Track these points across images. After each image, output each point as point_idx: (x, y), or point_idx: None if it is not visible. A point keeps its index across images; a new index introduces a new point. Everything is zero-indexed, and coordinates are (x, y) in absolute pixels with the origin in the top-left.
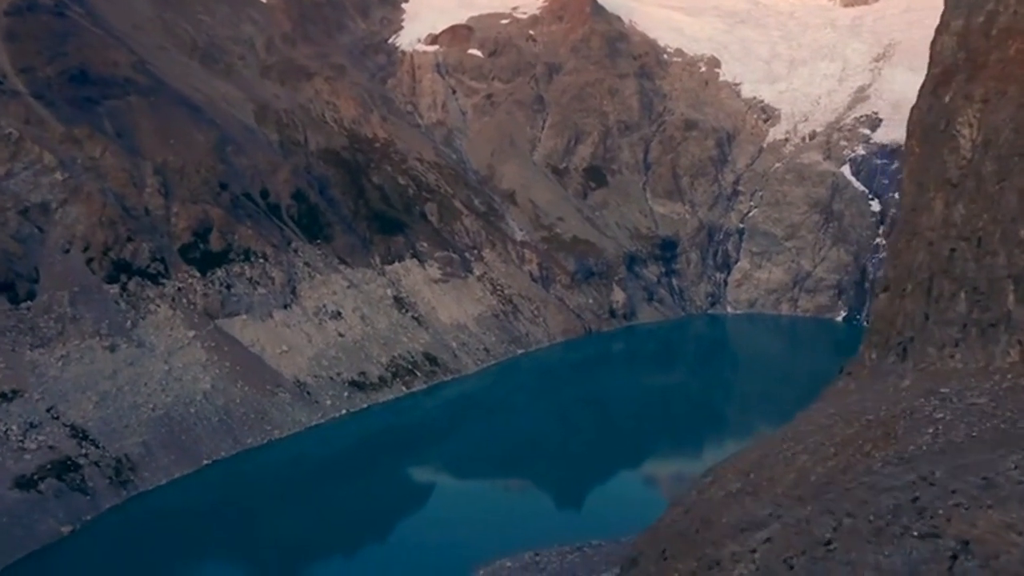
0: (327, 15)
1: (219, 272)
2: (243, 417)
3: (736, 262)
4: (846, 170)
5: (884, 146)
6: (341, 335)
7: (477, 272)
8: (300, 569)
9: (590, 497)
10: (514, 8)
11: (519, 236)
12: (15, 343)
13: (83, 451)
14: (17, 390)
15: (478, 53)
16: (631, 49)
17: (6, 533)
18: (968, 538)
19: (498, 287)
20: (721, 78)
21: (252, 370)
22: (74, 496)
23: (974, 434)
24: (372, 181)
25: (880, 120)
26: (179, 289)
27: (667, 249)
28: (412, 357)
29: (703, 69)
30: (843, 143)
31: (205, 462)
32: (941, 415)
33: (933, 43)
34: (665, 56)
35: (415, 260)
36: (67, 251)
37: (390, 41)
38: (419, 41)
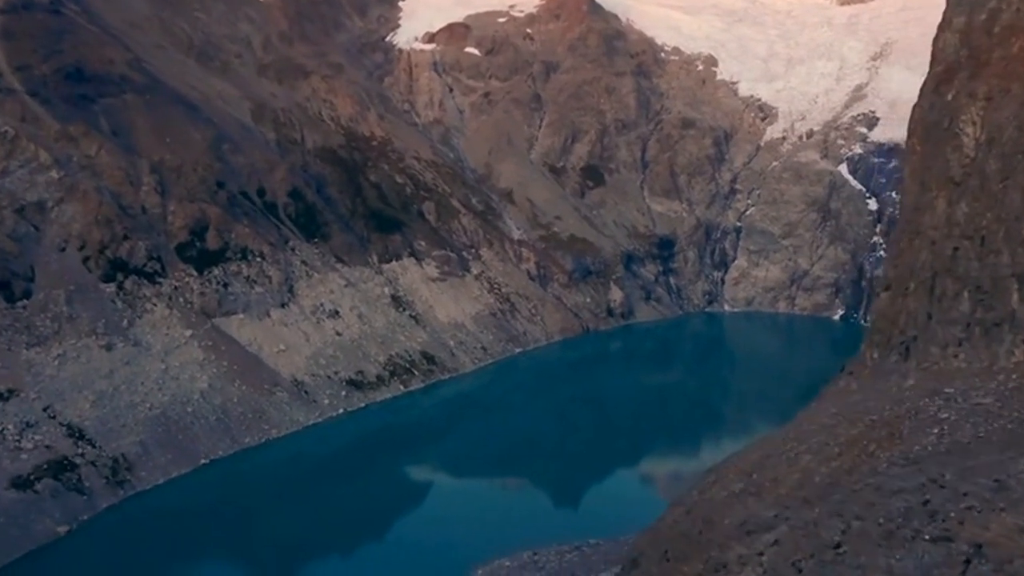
0: (324, 13)
1: (216, 271)
2: (240, 416)
3: (733, 260)
4: (843, 169)
5: (881, 145)
6: (339, 334)
7: (475, 271)
8: (298, 569)
9: (588, 496)
10: (511, 6)
11: (516, 235)
12: (11, 342)
13: (80, 451)
14: (13, 389)
15: (475, 51)
16: (628, 47)
17: (2, 533)
18: (981, 542)
19: (496, 286)
20: (718, 77)
21: (249, 369)
22: (71, 496)
23: (981, 435)
24: (369, 180)
25: (877, 119)
26: (176, 288)
27: (664, 248)
28: (410, 356)
29: (700, 68)
30: (840, 142)
31: (202, 461)
32: (946, 415)
33: (935, 41)
34: (662, 54)
35: (412, 259)
36: (63, 250)
37: (387, 39)
38: (416, 39)
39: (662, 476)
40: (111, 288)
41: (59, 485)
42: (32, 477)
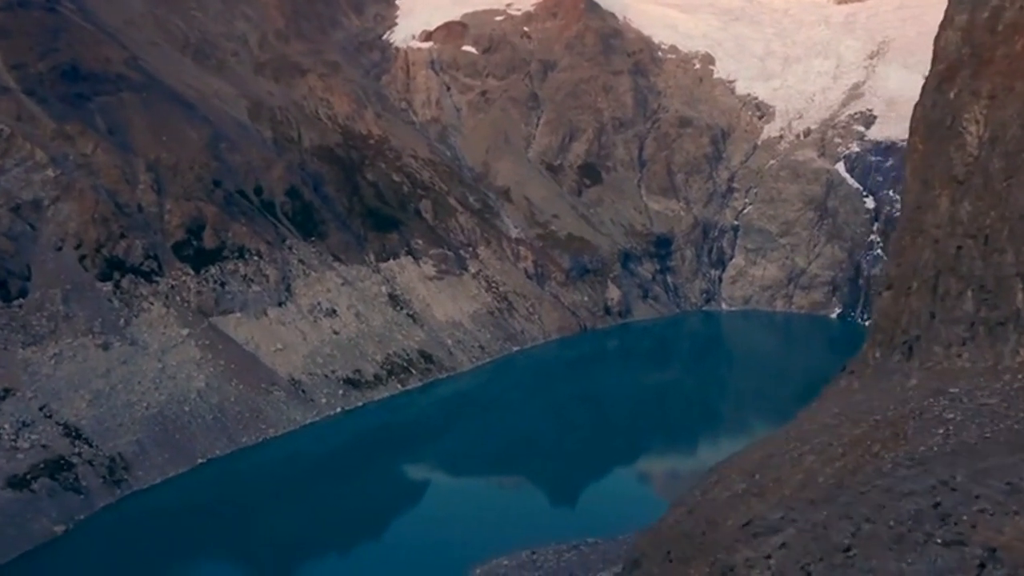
0: (320, 11)
1: (213, 269)
2: (238, 415)
3: (731, 259)
4: (840, 167)
5: (879, 143)
6: (336, 333)
7: (472, 269)
8: (296, 568)
9: (586, 495)
10: (508, 5)
11: (514, 233)
12: (7, 341)
13: (76, 450)
14: (9, 389)
15: (472, 50)
16: (625, 46)
17: None
18: (995, 546)
19: (493, 284)
20: (715, 75)
21: (246, 368)
22: (67, 495)
23: (987, 435)
24: (366, 178)
25: (874, 117)
26: (172, 287)
27: (662, 246)
28: (407, 355)
29: (697, 66)
30: (837, 140)
31: (200, 461)
32: (951, 415)
33: (937, 38)
34: (659, 53)
35: (410, 257)
36: (59, 248)
37: (384, 38)
38: (413, 38)
39: (660, 475)
40: (107, 287)
41: (56, 484)
42: (29, 476)
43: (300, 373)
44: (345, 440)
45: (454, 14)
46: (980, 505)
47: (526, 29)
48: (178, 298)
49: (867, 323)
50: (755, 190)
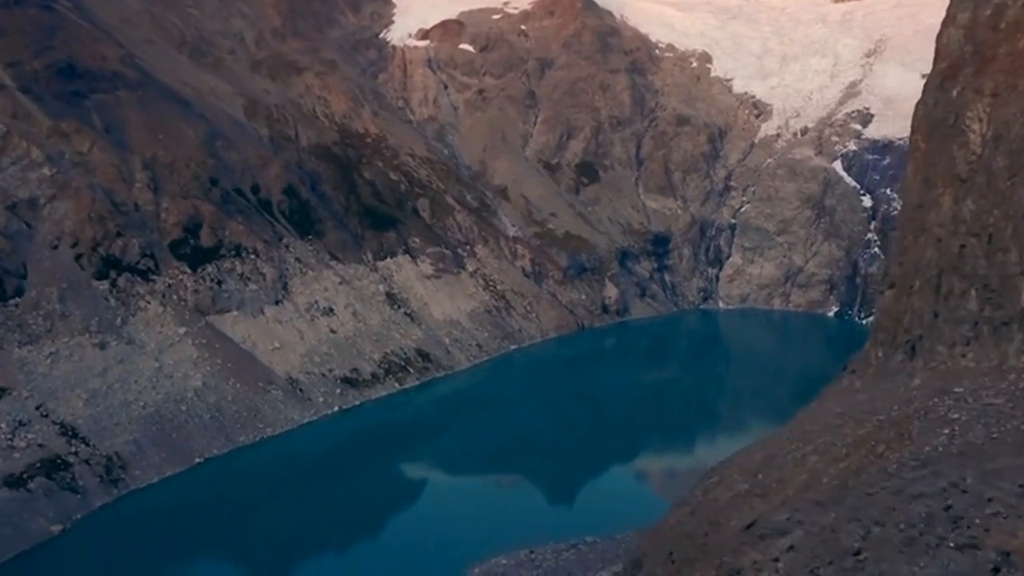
0: (317, 10)
1: (210, 268)
2: (235, 415)
3: (728, 257)
4: (837, 165)
5: (876, 141)
6: (333, 331)
7: (470, 268)
8: (293, 567)
9: (584, 493)
10: (505, 3)
11: (511, 232)
12: (3, 340)
13: (73, 449)
14: (5, 388)
15: (469, 48)
16: (622, 44)
17: None
18: (1009, 549)
19: (491, 283)
20: (713, 74)
21: (244, 367)
22: (64, 495)
23: (994, 436)
24: (364, 176)
25: (871, 116)
26: (169, 285)
27: (659, 244)
28: (405, 353)
29: (695, 64)
30: (834, 139)
31: (197, 460)
32: (957, 416)
33: (939, 36)
34: (657, 51)
35: (407, 256)
36: (55, 247)
37: (381, 36)
38: (410, 36)
39: (658, 474)
40: (104, 286)
41: (52, 484)
42: (25, 476)
43: (297, 372)
44: (343, 439)
45: (451, 12)
46: (992, 508)
47: (523, 27)
48: (175, 297)
49: (864, 321)
50: (752, 188)
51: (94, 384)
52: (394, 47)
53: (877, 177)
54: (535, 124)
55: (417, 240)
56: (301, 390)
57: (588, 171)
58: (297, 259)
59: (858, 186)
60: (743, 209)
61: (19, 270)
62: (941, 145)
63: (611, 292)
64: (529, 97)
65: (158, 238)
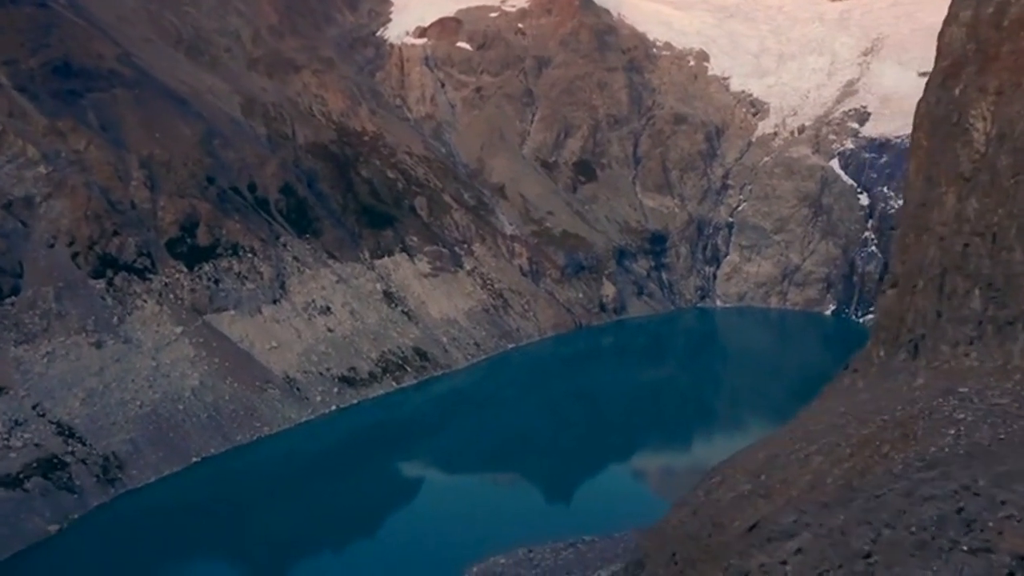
0: (314, 7)
1: (207, 267)
2: (232, 414)
3: (725, 256)
4: (835, 164)
5: (873, 140)
6: (330, 330)
7: (467, 266)
8: (291, 567)
9: (582, 492)
10: (503, 1)
11: (509, 230)
12: None
13: (70, 449)
14: (2, 387)
15: (467, 46)
16: (620, 43)
17: None
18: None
19: (488, 281)
20: (710, 72)
21: (241, 366)
22: (61, 494)
23: (1001, 437)
24: (361, 175)
25: (868, 114)
26: (166, 284)
27: (657, 243)
28: (402, 352)
29: (692, 63)
30: (832, 137)
31: (194, 459)
32: (962, 416)
33: (941, 35)
34: (654, 50)
35: (404, 254)
36: (52, 246)
37: (378, 34)
38: (407, 34)
39: (656, 472)
40: (101, 284)
41: (49, 484)
42: (21, 476)
43: (295, 371)
44: (340, 438)
45: (448, 10)
46: (1006, 511)
47: (520, 25)
48: (172, 296)
49: (861, 320)
50: (749, 187)
51: (91, 383)
52: (391, 45)
53: (874, 175)
54: (532, 122)
55: (414, 239)
56: (298, 389)
57: (585, 169)
58: (294, 258)
59: (855, 184)
60: (740, 207)
61: (15, 269)
62: (944, 143)
63: (608, 291)
64: (526, 95)
65: (155, 237)
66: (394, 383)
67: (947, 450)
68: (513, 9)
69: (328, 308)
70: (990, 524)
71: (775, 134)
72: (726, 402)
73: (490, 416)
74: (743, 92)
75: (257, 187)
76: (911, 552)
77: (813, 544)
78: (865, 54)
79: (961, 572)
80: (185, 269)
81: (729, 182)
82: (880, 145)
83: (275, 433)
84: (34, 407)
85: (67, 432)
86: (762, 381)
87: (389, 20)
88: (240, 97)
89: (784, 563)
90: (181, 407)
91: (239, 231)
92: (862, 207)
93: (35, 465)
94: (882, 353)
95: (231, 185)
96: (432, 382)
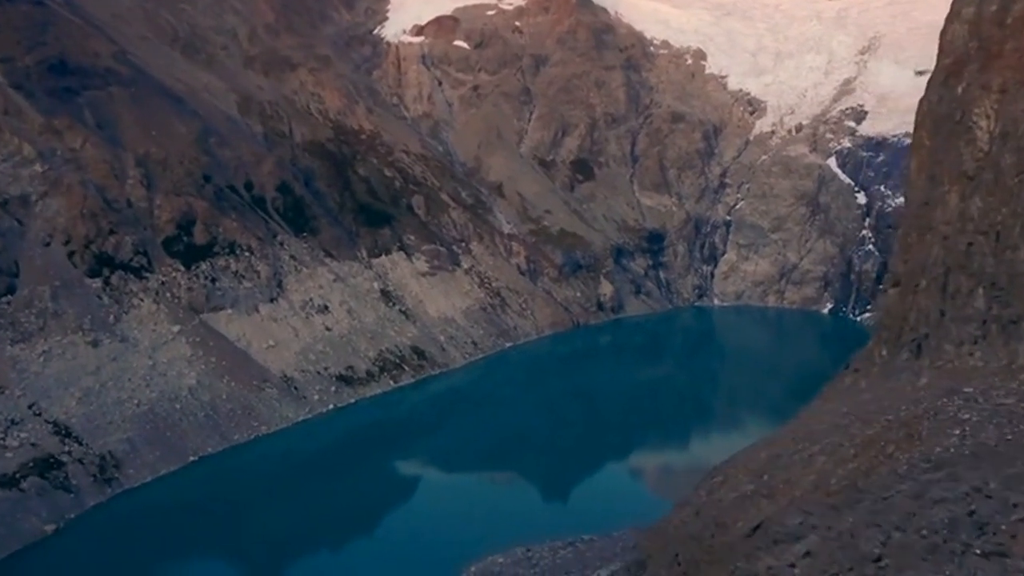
0: (311, 5)
1: (204, 265)
2: (229, 413)
3: (723, 254)
4: (832, 163)
5: (870, 138)
6: (328, 329)
7: (465, 265)
8: (289, 566)
9: (580, 491)
10: None
11: (506, 229)
12: None
13: (66, 448)
14: None
15: (464, 45)
16: (617, 41)
17: None
18: None
19: (486, 280)
20: (707, 70)
21: (238, 365)
22: (57, 494)
23: (1008, 438)
24: (358, 173)
25: (865, 113)
26: (163, 283)
27: (654, 242)
28: (400, 351)
29: (689, 61)
30: (829, 136)
31: (191, 458)
32: (967, 416)
33: (943, 32)
34: (651, 48)
35: (402, 253)
36: (48, 244)
37: (375, 32)
38: (404, 32)
39: (654, 471)
40: (97, 283)
41: (45, 483)
42: (18, 475)
43: (292, 370)
44: (338, 437)
45: (445, 8)
46: (1019, 514)
47: (518, 24)
48: (168, 294)
49: (859, 318)
50: (747, 185)
51: (87, 382)
52: (388, 43)
53: (871, 174)
54: (530, 121)
55: (412, 237)
56: (296, 388)
57: (583, 168)
58: (291, 256)
59: (852, 183)
60: (738, 206)
61: (11, 268)
62: (947, 142)
63: (606, 289)
64: (524, 94)
65: (151, 235)
66: (392, 382)
67: (953, 451)
68: (510, 7)
69: (325, 307)
70: (1003, 527)
71: (772, 133)
72: (723, 401)
73: (488, 415)
74: (740, 91)
75: (254, 185)
76: (923, 556)
77: (821, 547)
78: (862, 53)
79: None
80: (182, 268)
81: (727, 181)
82: (877, 144)
83: (272, 432)
84: (30, 406)
85: (63, 431)
86: (760, 380)
87: (386, 18)
88: (236, 95)
89: (792, 566)
90: (178, 406)
91: (236, 230)
92: (859, 206)
93: (31, 465)
94: (884, 352)
95: (228, 183)
96: (430, 381)
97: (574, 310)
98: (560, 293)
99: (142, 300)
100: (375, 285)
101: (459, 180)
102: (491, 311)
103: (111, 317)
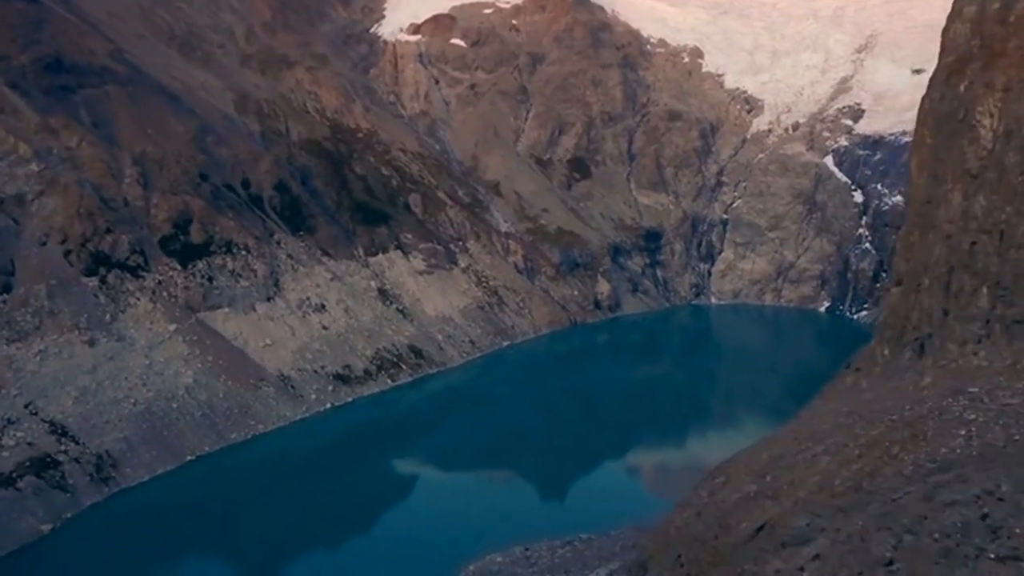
0: (307, 4)
1: (200, 264)
2: (226, 412)
3: (720, 253)
4: (829, 161)
5: (867, 137)
6: (325, 328)
7: (462, 264)
8: (286, 566)
9: (578, 490)
10: None
11: (504, 227)
12: None
13: (63, 447)
14: None
15: (461, 43)
16: (614, 39)
17: None
18: None
19: (483, 279)
20: (704, 69)
21: (235, 364)
22: (54, 494)
23: (1016, 438)
24: (355, 172)
25: (863, 111)
26: (159, 282)
27: (651, 240)
28: (397, 350)
29: (686, 60)
30: (826, 134)
31: (188, 458)
32: (973, 416)
33: (945, 31)
34: (648, 47)
35: (399, 252)
36: (44, 243)
37: (372, 30)
38: (401, 31)
39: (651, 470)
40: (93, 282)
41: (42, 483)
42: (14, 475)
43: (289, 369)
44: (335, 436)
45: (442, 7)
46: None
47: (515, 22)
48: (165, 293)
49: (856, 317)
50: (744, 184)
51: (84, 382)
52: (385, 42)
53: (868, 172)
54: (527, 119)
55: (409, 236)
56: (293, 387)
57: (580, 166)
58: (288, 255)
59: (849, 181)
60: (735, 204)
61: (7, 267)
62: (949, 140)
63: (603, 288)
64: (521, 92)
65: (148, 234)
66: (389, 381)
67: (959, 451)
68: (507, 6)
69: (323, 306)
70: (1017, 531)
71: (769, 131)
72: (721, 399)
73: (485, 414)
74: (737, 89)
75: (251, 184)
76: (936, 560)
77: (831, 550)
78: (859, 51)
79: None
80: (178, 267)
81: (723, 179)
82: (874, 142)
83: (269, 431)
84: (26, 406)
85: (60, 431)
86: (757, 378)
87: (383, 17)
88: (233, 94)
89: (801, 569)
90: (175, 405)
91: (233, 228)
92: (856, 204)
93: (28, 464)
94: (887, 352)
95: (224, 182)
96: (427, 380)
97: (571, 309)
98: (557, 292)
99: (139, 299)
100: (372, 284)
101: (456, 179)
102: (488, 310)
103: (107, 316)
